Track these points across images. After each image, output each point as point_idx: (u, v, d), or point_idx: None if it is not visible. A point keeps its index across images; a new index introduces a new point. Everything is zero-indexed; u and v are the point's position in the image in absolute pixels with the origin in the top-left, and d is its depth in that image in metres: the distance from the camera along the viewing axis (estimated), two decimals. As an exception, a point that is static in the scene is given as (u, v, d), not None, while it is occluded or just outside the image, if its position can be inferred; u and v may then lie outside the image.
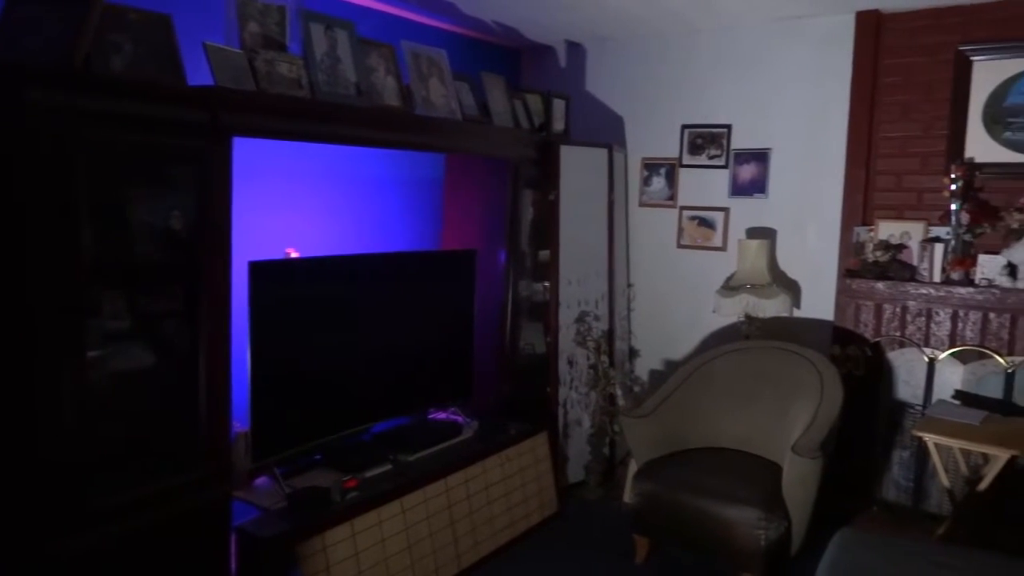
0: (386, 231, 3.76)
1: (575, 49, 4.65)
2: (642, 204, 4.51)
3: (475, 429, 3.55)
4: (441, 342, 3.62)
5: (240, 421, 2.81)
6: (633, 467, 3.40)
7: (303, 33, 2.71)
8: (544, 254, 4.01)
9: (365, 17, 3.44)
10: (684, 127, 4.32)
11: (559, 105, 4.12)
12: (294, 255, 3.15)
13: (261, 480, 2.87)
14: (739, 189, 4.19)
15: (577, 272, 4.01)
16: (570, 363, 3.98)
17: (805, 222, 4.01)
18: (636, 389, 4.50)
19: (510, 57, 4.74)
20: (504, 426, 3.62)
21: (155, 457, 2.30)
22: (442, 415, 3.70)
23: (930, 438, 3.06)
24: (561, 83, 4.58)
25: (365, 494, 2.83)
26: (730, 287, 3.94)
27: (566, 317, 3.95)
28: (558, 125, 4.11)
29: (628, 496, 3.31)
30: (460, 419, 3.64)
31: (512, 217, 3.96)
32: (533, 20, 4.08)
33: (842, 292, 3.82)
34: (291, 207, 3.29)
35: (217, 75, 2.39)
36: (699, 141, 4.28)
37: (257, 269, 2.69)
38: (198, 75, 2.39)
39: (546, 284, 3.97)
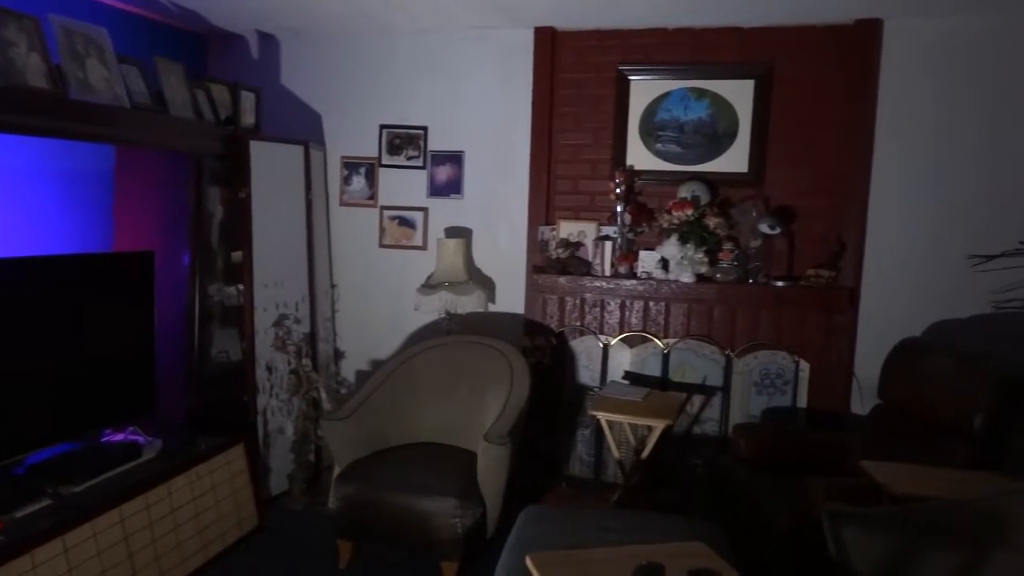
0: (41, 231, 3.27)
1: (268, 40, 4.44)
2: (343, 203, 4.45)
3: (159, 448, 3.23)
4: (114, 355, 3.23)
5: None
6: (337, 471, 3.34)
7: (-94, -8, 2.24)
8: (237, 255, 3.78)
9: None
10: (382, 127, 4.34)
11: (248, 98, 3.89)
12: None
13: None
14: (437, 190, 4.31)
15: (274, 274, 3.84)
16: (269, 369, 3.79)
17: (497, 222, 4.25)
18: (343, 391, 4.43)
19: (194, 44, 4.39)
20: (193, 442, 3.35)
21: None
22: (119, 436, 3.32)
23: (602, 415, 3.42)
24: (253, 75, 4.35)
25: (15, 537, 2.45)
26: (430, 285, 4.04)
27: (263, 321, 3.76)
28: (248, 119, 3.88)
29: (332, 501, 3.24)
30: (140, 439, 3.29)
31: (197, 216, 3.68)
32: (215, 4, 3.80)
33: (530, 287, 4.11)
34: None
35: None
36: (397, 141, 4.33)
37: None
38: None
39: (240, 287, 3.74)
